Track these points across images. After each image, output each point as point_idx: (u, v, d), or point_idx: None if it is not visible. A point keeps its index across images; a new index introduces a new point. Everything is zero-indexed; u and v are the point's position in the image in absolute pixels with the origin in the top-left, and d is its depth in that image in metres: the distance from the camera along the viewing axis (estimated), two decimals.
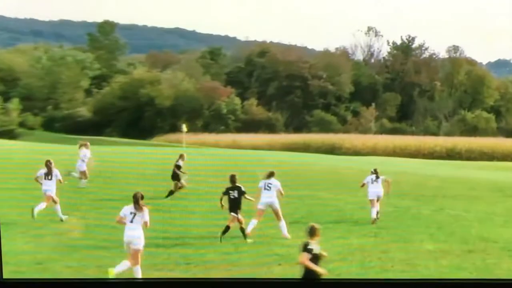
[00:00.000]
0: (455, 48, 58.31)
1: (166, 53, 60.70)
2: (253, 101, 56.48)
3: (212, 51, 60.32)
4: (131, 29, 59.61)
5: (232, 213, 19.75)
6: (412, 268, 16.86)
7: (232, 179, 20.18)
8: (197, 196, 24.31)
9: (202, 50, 60.25)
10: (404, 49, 59.88)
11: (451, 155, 47.97)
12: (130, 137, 51.71)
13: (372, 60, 60.99)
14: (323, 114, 56.12)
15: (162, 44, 62.40)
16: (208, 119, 55.44)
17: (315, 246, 13.13)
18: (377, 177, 22.69)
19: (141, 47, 61.10)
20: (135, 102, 55.03)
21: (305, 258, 13.03)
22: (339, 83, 57.50)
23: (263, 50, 59.20)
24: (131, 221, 14.89)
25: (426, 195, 28.50)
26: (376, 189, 22.73)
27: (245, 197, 20.04)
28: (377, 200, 22.75)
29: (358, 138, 51.03)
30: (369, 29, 59.53)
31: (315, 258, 13.16)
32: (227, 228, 19.79)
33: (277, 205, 20.41)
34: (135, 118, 54.80)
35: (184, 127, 46.01)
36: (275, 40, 59.08)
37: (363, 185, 22.97)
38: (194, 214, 21.27)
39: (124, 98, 55.46)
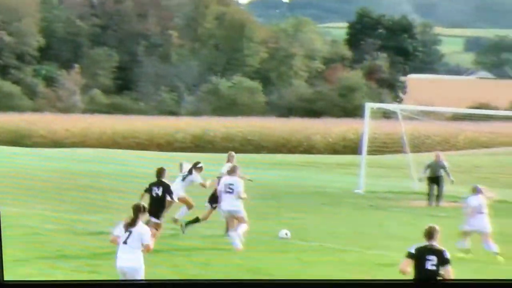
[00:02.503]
0: None
1: None
2: None
3: None
4: None
5: (151, 217, 18.34)
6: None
7: (160, 173, 19.53)
8: None
9: None
10: None
11: (200, 145, 38.67)
12: None
13: None
14: None
15: None
16: None
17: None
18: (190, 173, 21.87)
19: None
20: None
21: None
22: (20, 32, 48.26)
23: None
24: (125, 242, 13.17)
25: None
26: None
27: (171, 198, 19.64)
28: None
29: (57, 119, 43.62)
30: None
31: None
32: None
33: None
34: None
35: None
36: None
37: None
38: None
39: None
